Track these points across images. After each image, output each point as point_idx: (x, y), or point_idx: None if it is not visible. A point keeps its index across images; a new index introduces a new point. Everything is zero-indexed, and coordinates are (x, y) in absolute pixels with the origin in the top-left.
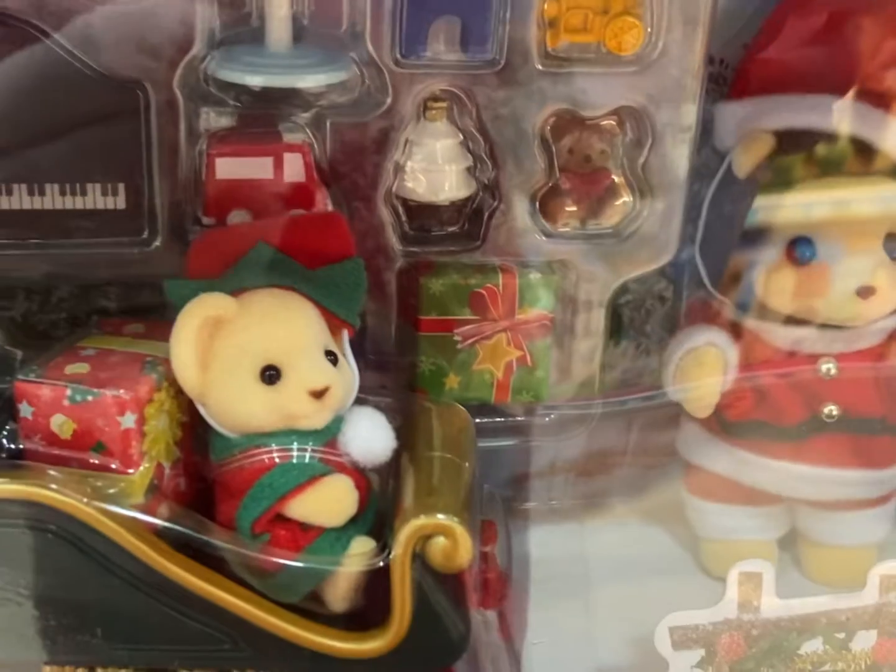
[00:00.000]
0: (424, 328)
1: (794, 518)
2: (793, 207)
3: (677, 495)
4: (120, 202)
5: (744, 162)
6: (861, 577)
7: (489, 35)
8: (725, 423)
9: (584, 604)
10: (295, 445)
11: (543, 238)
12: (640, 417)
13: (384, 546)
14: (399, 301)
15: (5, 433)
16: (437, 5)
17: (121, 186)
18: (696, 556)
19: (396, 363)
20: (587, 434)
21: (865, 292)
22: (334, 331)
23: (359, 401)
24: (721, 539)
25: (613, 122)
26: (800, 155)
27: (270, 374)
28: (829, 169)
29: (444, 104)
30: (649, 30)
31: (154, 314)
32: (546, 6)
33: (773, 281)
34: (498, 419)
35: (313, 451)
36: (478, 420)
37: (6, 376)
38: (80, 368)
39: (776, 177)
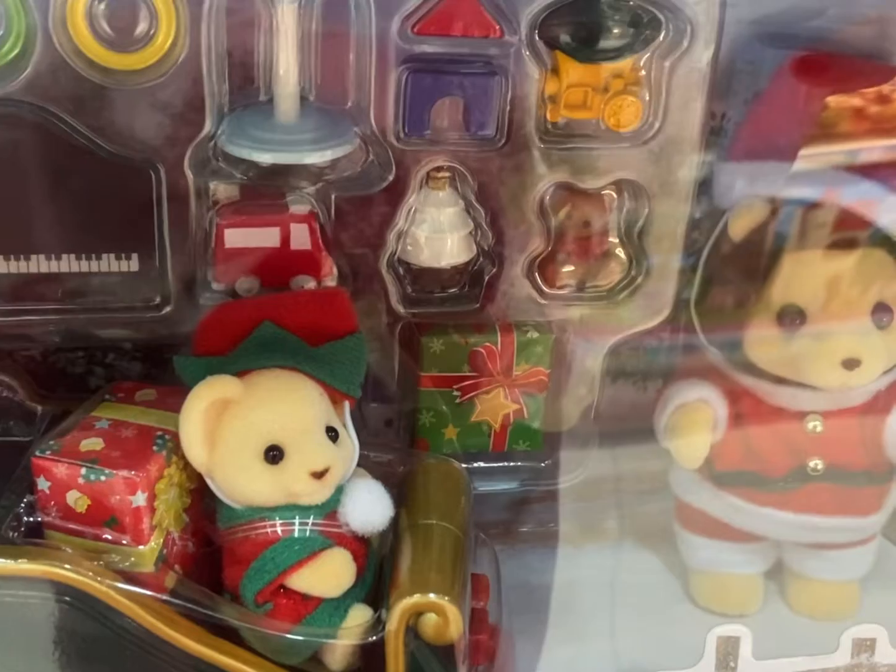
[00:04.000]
0: (425, 384)
1: (780, 552)
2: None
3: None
4: (133, 266)
5: (738, 228)
6: (844, 610)
7: (490, 113)
8: (714, 471)
9: (573, 631)
10: (297, 520)
11: (540, 299)
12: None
13: (379, 615)
14: (401, 353)
15: (23, 505)
16: (440, 86)
17: (134, 256)
18: (685, 584)
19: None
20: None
21: (851, 364)
22: (336, 401)
23: (361, 458)
24: (709, 571)
25: (612, 193)
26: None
27: (274, 455)
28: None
29: (446, 174)
30: (647, 98)
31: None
32: (547, 84)
33: (762, 345)
34: (495, 464)
35: (314, 524)
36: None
37: (27, 435)
38: (95, 445)
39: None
